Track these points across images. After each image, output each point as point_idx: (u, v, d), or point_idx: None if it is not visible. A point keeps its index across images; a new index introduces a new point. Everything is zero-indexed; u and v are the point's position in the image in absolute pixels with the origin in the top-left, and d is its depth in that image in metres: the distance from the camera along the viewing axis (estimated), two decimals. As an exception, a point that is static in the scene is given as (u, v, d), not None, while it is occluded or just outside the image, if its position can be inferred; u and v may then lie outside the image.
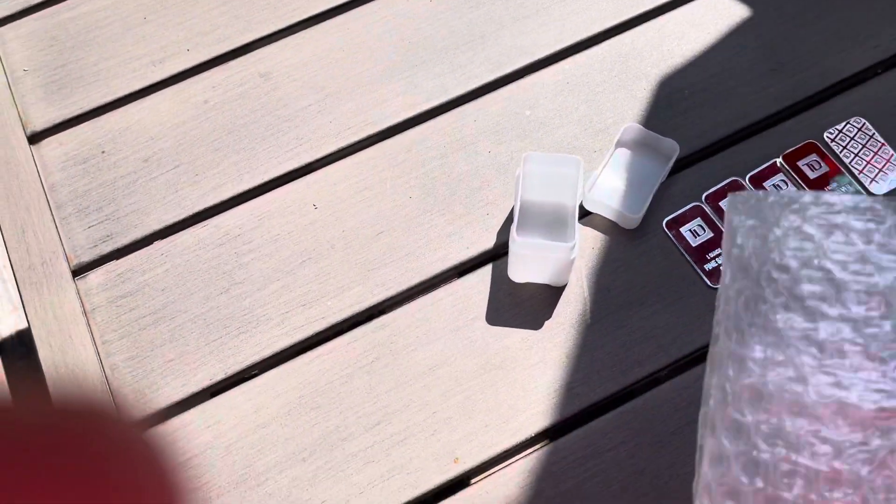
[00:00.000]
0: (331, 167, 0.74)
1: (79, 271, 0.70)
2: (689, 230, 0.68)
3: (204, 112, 0.76)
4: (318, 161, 0.74)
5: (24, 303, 0.68)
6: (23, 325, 1.91)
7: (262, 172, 0.73)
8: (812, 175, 0.70)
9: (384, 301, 0.68)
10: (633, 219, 0.68)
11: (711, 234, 0.68)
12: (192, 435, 0.63)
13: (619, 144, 0.71)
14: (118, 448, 0.27)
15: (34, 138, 0.75)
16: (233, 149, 0.74)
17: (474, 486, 0.61)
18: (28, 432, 0.25)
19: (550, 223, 0.66)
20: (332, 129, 0.75)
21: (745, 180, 0.70)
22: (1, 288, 1.96)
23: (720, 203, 0.69)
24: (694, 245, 0.68)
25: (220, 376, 0.65)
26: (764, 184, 0.70)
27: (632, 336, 0.65)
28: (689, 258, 0.68)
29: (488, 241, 0.70)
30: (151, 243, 0.71)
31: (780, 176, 0.70)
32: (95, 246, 0.71)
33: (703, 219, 0.69)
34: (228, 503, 0.61)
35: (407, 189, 0.72)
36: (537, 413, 0.63)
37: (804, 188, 0.69)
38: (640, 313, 0.66)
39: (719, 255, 0.67)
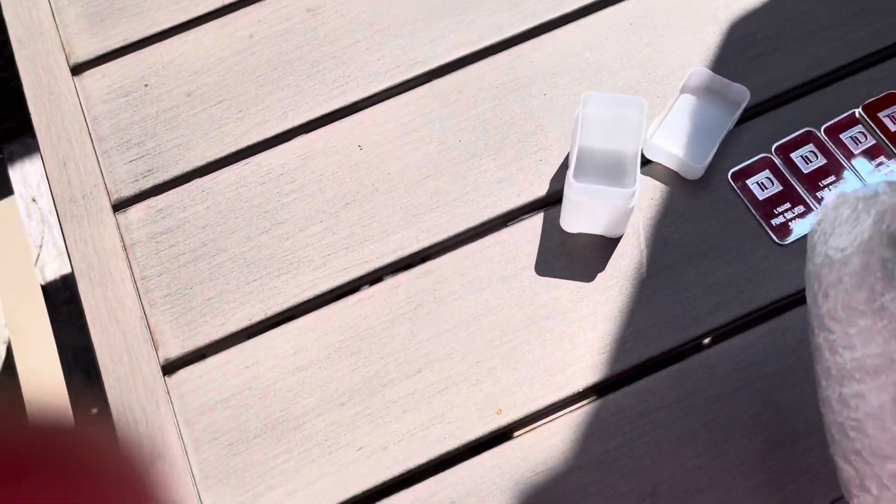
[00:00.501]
0: (378, 107, 0.71)
1: (119, 206, 0.68)
2: (757, 183, 0.64)
3: (249, 47, 0.74)
4: (364, 100, 0.71)
5: (65, 236, 0.67)
6: (67, 269, 1.94)
7: (306, 110, 0.71)
8: (894, 128, 0.65)
9: (429, 247, 0.65)
10: (697, 168, 0.64)
11: (780, 188, 0.64)
12: (229, 375, 0.62)
13: (685, 90, 0.67)
14: (90, 461, 0.26)
15: (77, 69, 0.74)
16: (277, 85, 0.72)
17: (517, 439, 0.59)
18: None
19: (608, 170, 0.62)
20: (380, 67, 0.72)
21: (819, 131, 0.65)
22: (47, 233, 1.99)
23: (791, 155, 0.65)
24: (761, 199, 0.64)
25: (259, 317, 0.64)
26: (840, 136, 0.65)
27: (689, 292, 0.62)
28: (754, 212, 0.63)
29: (540, 189, 0.66)
30: (193, 180, 0.69)
31: (858, 128, 0.65)
32: (136, 180, 0.69)
33: (772, 171, 0.64)
34: (265, 445, 0.60)
35: (456, 132, 0.69)
36: (585, 367, 0.60)
37: (885, 142, 0.64)
38: (700, 268, 0.62)
39: (788, 209, 0.63)
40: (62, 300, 1.77)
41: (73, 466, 0.25)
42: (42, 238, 1.85)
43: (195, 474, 0.59)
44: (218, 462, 0.60)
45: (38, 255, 1.87)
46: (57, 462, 0.25)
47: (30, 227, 1.84)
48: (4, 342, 1.75)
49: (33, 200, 1.88)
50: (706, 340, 0.61)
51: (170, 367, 0.63)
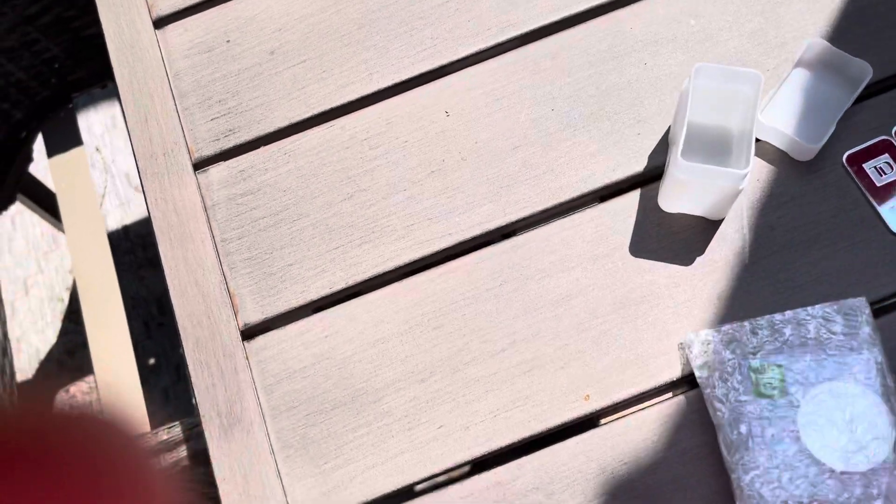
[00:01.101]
0: (466, 71, 0.67)
1: (200, 165, 0.67)
2: (874, 167, 0.60)
3: (334, 3, 0.71)
4: (453, 64, 0.68)
5: (146, 194, 0.66)
6: (128, 219, 1.96)
7: (392, 73, 0.68)
8: None
9: (517, 221, 0.63)
10: (810, 149, 0.59)
11: (900, 174, 0.59)
12: (308, 344, 0.61)
13: (799, 63, 0.62)
14: (113, 460, 0.25)
15: (159, 23, 0.72)
16: (363, 45, 0.69)
17: (604, 427, 0.57)
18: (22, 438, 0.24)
19: (716, 148, 0.58)
20: (470, 29, 0.68)
21: (947, 114, 0.60)
22: (110, 183, 2.01)
23: (913, 139, 0.60)
24: (878, 185, 0.59)
25: (340, 285, 0.62)
26: (972, 119, 0.60)
27: (796, 281, 0.58)
28: (870, 198, 0.59)
29: (638, 164, 0.63)
30: (275, 141, 0.67)
31: None
32: (217, 140, 0.67)
33: (892, 155, 0.60)
34: (344, 417, 0.58)
35: (549, 100, 0.65)
36: (680, 356, 0.57)
37: None
38: (808, 256, 0.59)
39: (909, 198, 0.59)
40: (123, 250, 1.80)
41: (60, 458, 0.24)
42: (105, 188, 1.87)
43: (273, 443, 0.58)
44: (296, 432, 0.59)
45: (101, 204, 1.89)
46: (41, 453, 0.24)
47: (93, 176, 1.86)
48: (69, 289, 1.79)
49: (97, 150, 1.90)
50: (812, 334, 0.58)
51: (249, 333, 0.62)
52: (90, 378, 1.72)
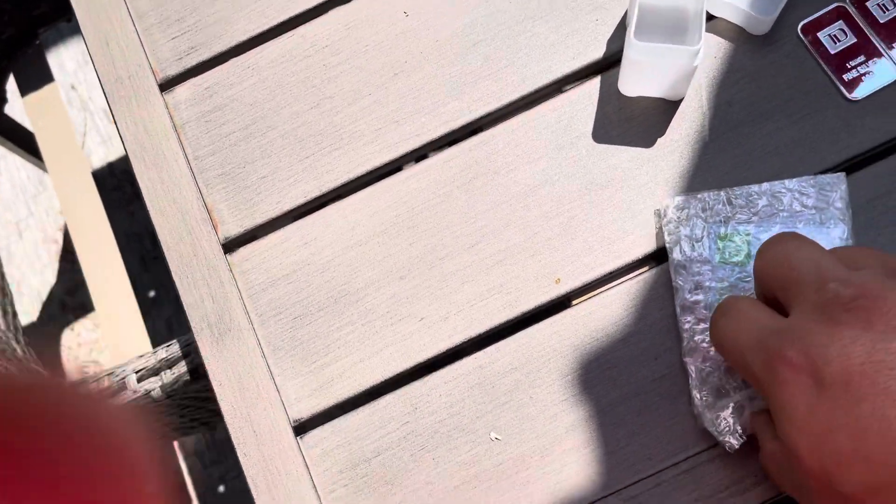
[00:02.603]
0: (422, -30, 0.67)
1: (166, 85, 0.67)
2: (829, 35, 0.60)
3: None
4: (408, -37, 0.67)
5: (116, 119, 0.67)
6: (112, 156, 1.95)
7: (348, -23, 0.67)
8: (985, -33, 0.59)
9: (482, 117, 0.64)
10: (765, 21, 0.60)
11: (854, 40, 0.60)
12: (288, 252, 0.63)
13: (753, -65, 0.62)
14: (78, 423, 0.24)
15: (109, -57, 0.71)
16: (316, -50, 0.68)
17: (575, 307, 0.60)
18: None
19: (670, 28, 0.59)
20: (423, -74, 0.68)
21: (900, -24, 0.60)
22: (89, 120, 1.99)
23: (867, 3, 0.60)
24: (833, 52, 0.60)
25: (314, 193, 0.64)
26: (924, -21, 0.60)
27: (753, 154, 0.60)
28: (825, 67, 0.60)
29: (597, 51, 0.63)
30: (237, 55, 0.67)
31: (944, -31, 0.60)
32: (180, 59, 0.68)
33: (847, 21, 0.60)
34: (328, 318, 0.61)
35: (506, -7, 0.65)
36: (645, 235, 0.60)
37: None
38: (764, 129, 0.60)
39: (862, 62, 0.59)
40: (111, 187, 1.80)
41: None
42: (85, 125, 1.85)
43: (263, 347, 0.61)
44: (284, 335, 0.61)
45: (83, 143, 1.88)
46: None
47: (72, 115, 1.84)
48: (61, 229, 1.80)
49: (73, 88, 1.87)
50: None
51: (230, 246, 0.64)
52: (93, 315, 1.75)
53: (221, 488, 1.56)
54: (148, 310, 1.70)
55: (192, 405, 0.90)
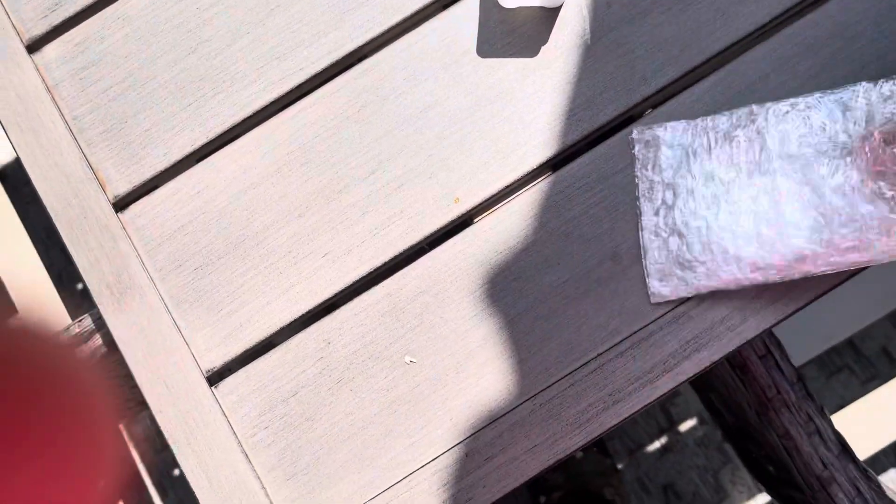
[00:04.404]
0: None
1: (33, 46, 0.64)
2: (698, -74, 0.60)
3: None
4: None
5: (-16, 86, 0.64)
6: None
7: (212, -86, 0.65)
8: None
9: (364, 45, 0.63)
10: (633, -82, 0.59)
11: (723, -71, 0.60)
12: (182, 202, 0.61)
13: None
14: (45, 367, 0.25)
15: None
16: None
17: (478, 224, 0.60)
18: None
19: (539, -70, 0.58)
20: None
21: None
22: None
23: None
24: (703, -57, 0.60)
25: (201, 140, 0.62)
26: None
27: (635, 52, 0.60)
28: (697, -41, 0.60)
29: (472, -35, 0.62)
30: (104, 8, 0.64)
31: None
32: (45, 16, 0.64)
33: (713, -89, 0.60)
34: (230, 264, 0.60)
35: (376, -85, 0.64)
36: (538, 144, 0.60)
37: None
38: (644, 27, 0.60)
39: (732, -49, 0.60)
40: (23, 181, 1.73)
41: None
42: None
43: (167, 302, 0.60)
44: (186, 287, 0.60)
45: (-15, 139, 1.80)
46: None
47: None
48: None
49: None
50: (656, 98, 0.60)
51: (121, 204, 0.62)
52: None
53: (176, 472, 1.54)
54: (61, 279, 1.65)
55: (125, 384, 0.88)
